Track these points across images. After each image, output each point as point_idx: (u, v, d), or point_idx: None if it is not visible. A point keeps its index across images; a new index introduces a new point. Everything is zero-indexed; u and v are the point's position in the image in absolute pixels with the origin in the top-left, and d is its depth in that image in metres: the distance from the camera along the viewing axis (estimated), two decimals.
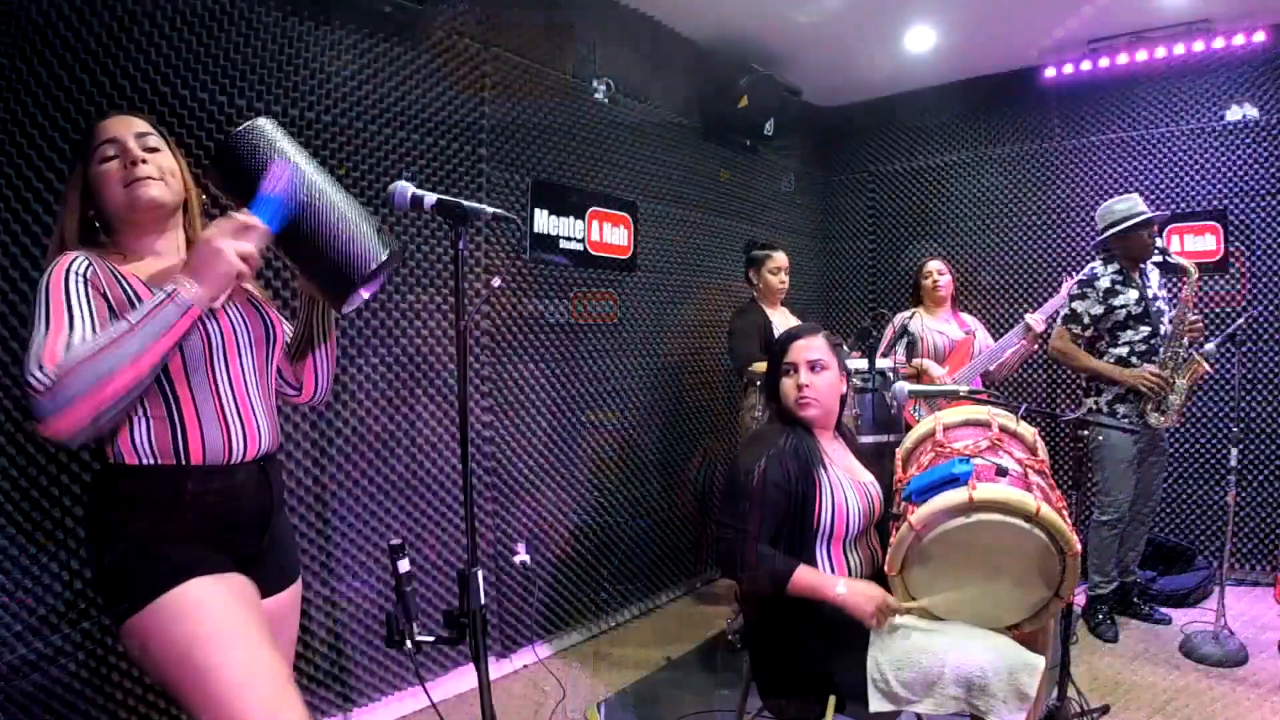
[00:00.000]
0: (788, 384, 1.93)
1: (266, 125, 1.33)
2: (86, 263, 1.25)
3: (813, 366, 1.91)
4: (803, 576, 1.72)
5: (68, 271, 1.23)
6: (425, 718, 2.62)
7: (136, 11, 2.07)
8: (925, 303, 3.68)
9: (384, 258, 1.34)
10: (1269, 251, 3.87)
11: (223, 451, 1.32)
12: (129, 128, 1.35)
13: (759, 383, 3.06)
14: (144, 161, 1.33)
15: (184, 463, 1.29)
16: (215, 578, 1.27)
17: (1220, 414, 3.93)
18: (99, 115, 1.95)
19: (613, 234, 3.56)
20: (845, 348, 3.43)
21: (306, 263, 1.38)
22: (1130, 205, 3.13)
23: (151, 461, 1.27)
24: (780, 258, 3.44)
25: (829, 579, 1.73)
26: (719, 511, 1.84)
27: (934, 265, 3.66)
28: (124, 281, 1.28)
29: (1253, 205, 3.90)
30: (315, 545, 2.46)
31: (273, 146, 1.31)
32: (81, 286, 1.22)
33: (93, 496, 1.33)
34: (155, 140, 1.37)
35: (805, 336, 1.96)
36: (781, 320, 3.43)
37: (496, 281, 2.99)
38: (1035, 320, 3.33)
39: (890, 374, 2.80)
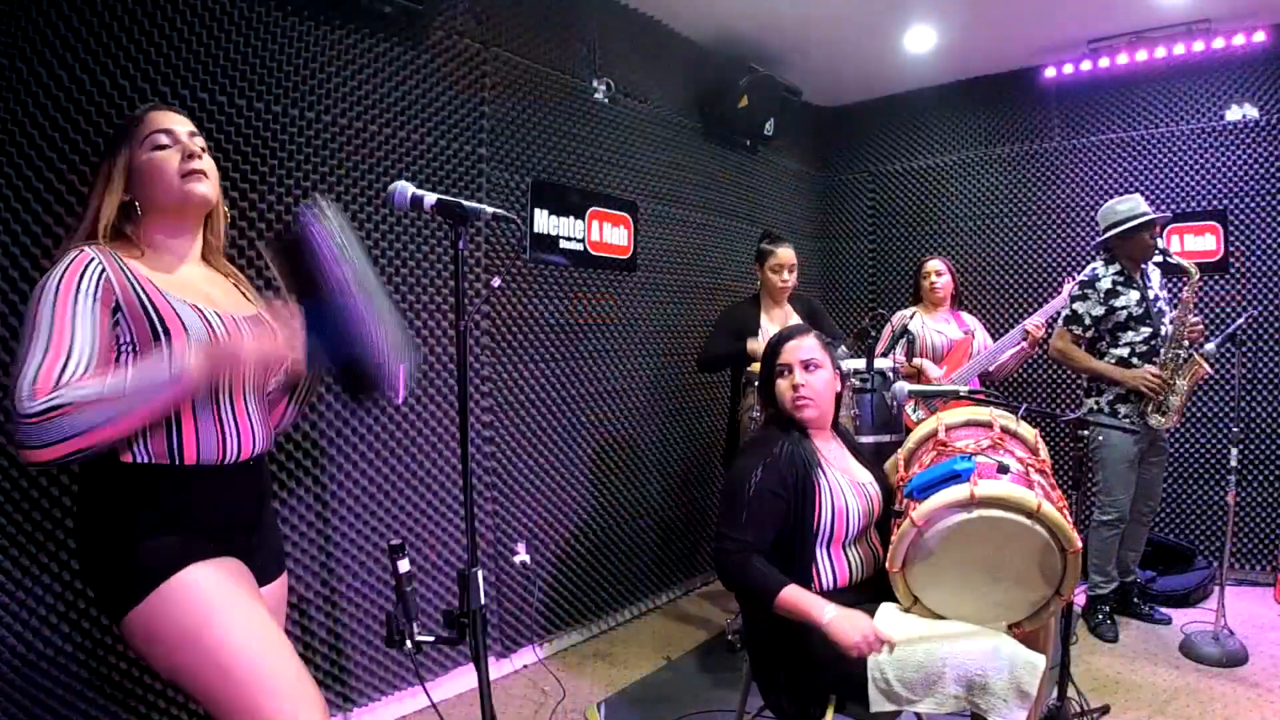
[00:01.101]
0: (783, 385, 1.93)
1: (337, 224, 1.33)
2: (101, 268, 1.23)
3: (806, 366, 1.91)
4: (789, 597, 1.68)
5: (79, 281, 1.20)
6: (425, 718, 2.62)
7: (136, 11, 2.07)
8: (924, 302, 3.69)
9: (401, 374, 1.38)
10: (1269, 251, 3.87)
11: (216, 454, 1.33)
12: (182, 123, 1.36)
13: (756, 384, 3.05)
14: (201, 155, 1.35)
15: (178, 463, 1.29)
16: (213, 562, 1.28)
17: (1220, 414, 3.93)
18: (98, 114, 1.98)
19: (613, 234, 3.56)
20: (844, 348, 3.41)
21: (333, 357, 1.39)
22: (1133, 206, 3.12)
23: (146, 460, 1.27)
24: (783, 254, 3.27)
25: (818, 604, 1.67)
26: (718, 520, 1.84)
27: (933, 265, 3.65)
28: (138, 285, 1.26)
29: (1253, 205, 3.90)
30: (315, 545, 2.46)
31: (345, 256, 1.32)
32: (89, 303, 1.20)
33: (83, 492, 1.31)
34: (202, 141, 1.39)
35: (796, 337, 1.96)
36: (780, 319, 3.34)
37: (496, 281, 2.99)
38: (1034, 325, 3.33)
39: (890, 374, 2.80)
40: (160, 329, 1.25)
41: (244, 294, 1.48)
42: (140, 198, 1.33)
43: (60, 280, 1.19)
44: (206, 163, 1.37)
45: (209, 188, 1.36)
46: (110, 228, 1.31)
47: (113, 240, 1.31)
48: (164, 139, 1.33)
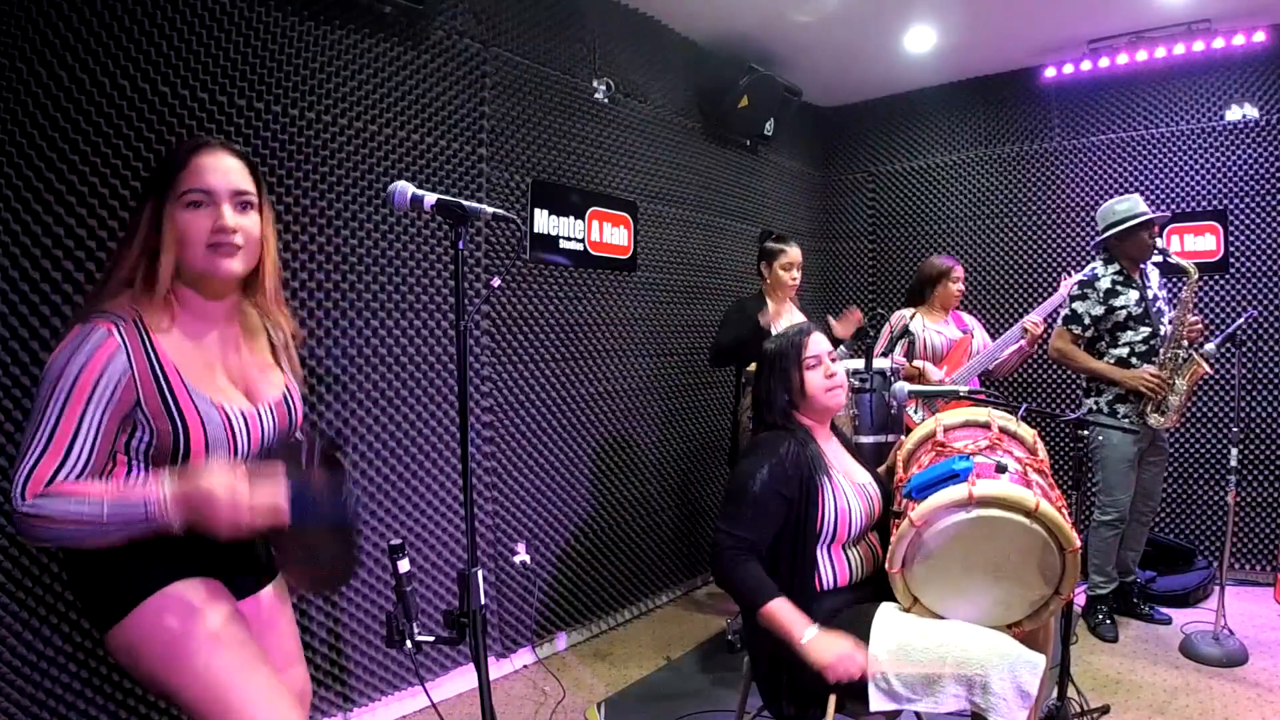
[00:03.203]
0: (815, 377, 1.93)
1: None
2: (124, 358, 1.17)
3: (831, 357, 1.96)
4: (773, 611, 1.68)
5: (99, 378, 1.15)
6: (425, 718, 2.62)
7: (136, 11, 2.07)
8: (932, 304, 3.61)
9: (341, 584, 1.39)
10: (1269, 251, 3.87)
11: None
12: (229, 183, 1.25)
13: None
14: (235, 231, 1.24)
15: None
16: (197, 580, 1.28)
17: (1220, 414, 3.93)
18: (98, 115, 1.97)
19: (613, 234, 3.56)
20: (843, 348, 3.41)
21: (285, 556, 1.42)
22: (1131, 205, 3.12)
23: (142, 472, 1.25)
24: (794, 253, 3.33)
25: (800, 624, 1.68)
26: (718, 516, 1.84)
27: (958, 271, 3.56)
28: (161, 371, 1.21)
29: (1253, 205, 3.90)
30: None
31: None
32: (101, 407, 1.16)
33: None
34: (250, 197, 1.29)
35: (812, 332, 2.00)
36: (786, 318, 3.36)
37: (496, 281, 2.99)
38: (1033, 322, 3.32)
39: (890, 374, 2.79)
40: (180, 424, 1.22)
41: (271, 347, 1.43)
42: (169, 251, 1.23)
43: (81, 369, 1.14)
44: (248, 230, 1.27)
45: (240, 264, 1.25)
46: (141, 279, 1.22)
47: (139, 300, 1.22)
48: (201, 198, 1.23)
